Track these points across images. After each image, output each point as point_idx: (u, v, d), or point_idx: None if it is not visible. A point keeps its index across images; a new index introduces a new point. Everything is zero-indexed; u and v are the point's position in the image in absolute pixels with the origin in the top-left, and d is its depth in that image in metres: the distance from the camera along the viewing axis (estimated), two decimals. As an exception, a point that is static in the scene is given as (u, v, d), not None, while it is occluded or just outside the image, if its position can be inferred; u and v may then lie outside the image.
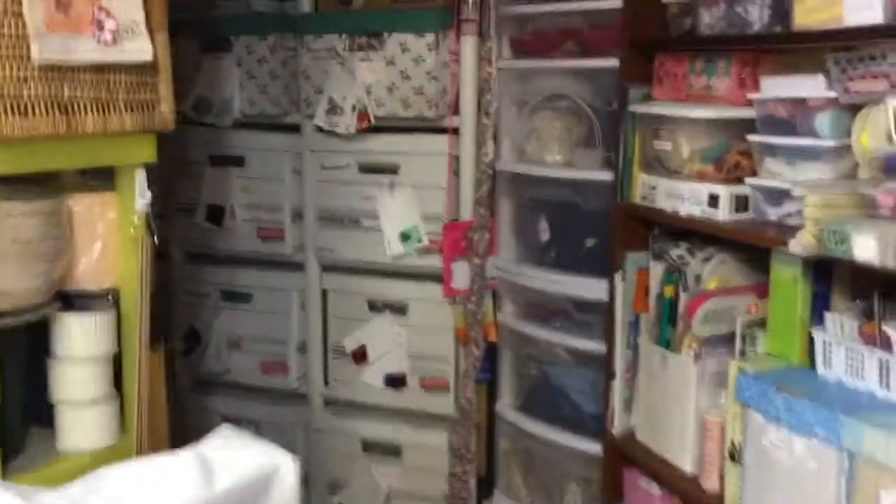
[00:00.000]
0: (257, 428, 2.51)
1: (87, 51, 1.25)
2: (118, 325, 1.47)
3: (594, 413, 2.03)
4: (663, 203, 1.74)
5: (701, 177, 1.66)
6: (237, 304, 2.49)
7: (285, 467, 1.21)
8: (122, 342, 1.48)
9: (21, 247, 1.27)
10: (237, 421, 2.50)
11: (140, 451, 1.45)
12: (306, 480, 2.47)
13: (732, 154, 1.66)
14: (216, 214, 2.44)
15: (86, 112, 1.28)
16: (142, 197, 1.44)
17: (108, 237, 1.45)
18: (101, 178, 1.49)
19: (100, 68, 1.30)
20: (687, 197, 1.68)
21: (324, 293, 2.41)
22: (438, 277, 2.24)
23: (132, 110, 1.37)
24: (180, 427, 2.60)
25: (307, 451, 2.46)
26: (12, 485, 1.03)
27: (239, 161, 2.40)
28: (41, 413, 1.45)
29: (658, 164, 1.76)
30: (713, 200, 1.63)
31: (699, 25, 1.65)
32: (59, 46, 1.21)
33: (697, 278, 1.75)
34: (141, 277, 1.44)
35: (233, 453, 1.19)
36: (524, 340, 2.17)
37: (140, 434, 1.46)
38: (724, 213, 1.61)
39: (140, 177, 1.44)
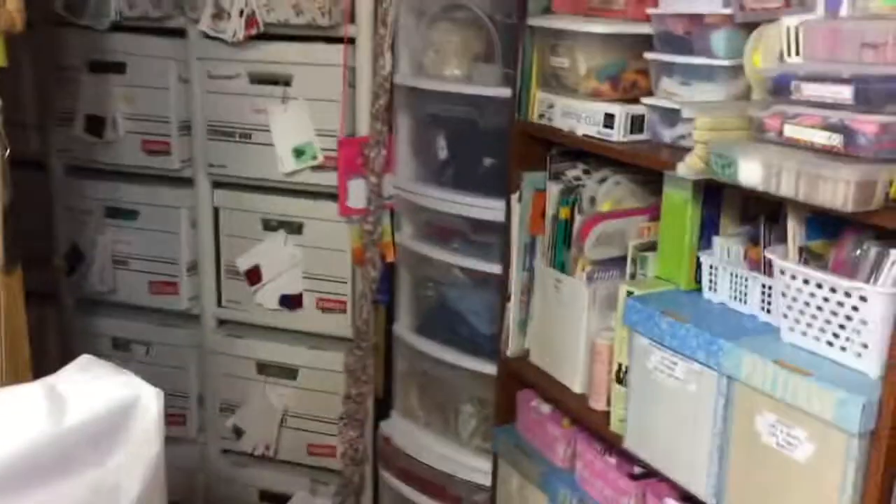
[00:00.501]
0: (148, 349, 2.42)
1: None
2: (-32, 246, 1.36)
3: (489, 334, 2.01)
4: (560, 122, 1.69)
5: (597, 95, 1.61)
6: (122, 221, 2.36)
7: (147, 399, 1.14)
8: (-26, 264, 1.37)
9: None
10: (127, 342, 2.42)
11: (0, 381, 1.36)
12: (201, 401, 2.41)
13: (629, 72, 1.61)
14: (96, 125, 2.28)
15: (-89, 8, 1.14)
16: (-13, 106, 1.31)
17: (-48, 149, 1.32)
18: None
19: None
20: (583, 116, 1.63)
21: (215, 211, 2.31)
22: (334, 195, 2.16)
23: (-30, 8, 1.23)
24: (66, 350, 2.50)
25: (201, 372, 2.39)
26: None
27: (119, 67, 2.24)
28: None
29: (555, 82, 1.70)
30: (609, 120, 1.58)
31: (599, -66, 1.57)
32: None
33: (592, 200, 1.71)
34: (-9, 195, 1.32)
35: (88, 385, 1.11)
36: (422, 261, 2.12)
37: (-2, 362, 1.36)
38: (618, 134, 1.57)
39: (-14, 83, 1.30)
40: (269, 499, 2.36)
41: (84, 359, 1.20)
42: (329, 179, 2.14)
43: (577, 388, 1.72)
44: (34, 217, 2.38)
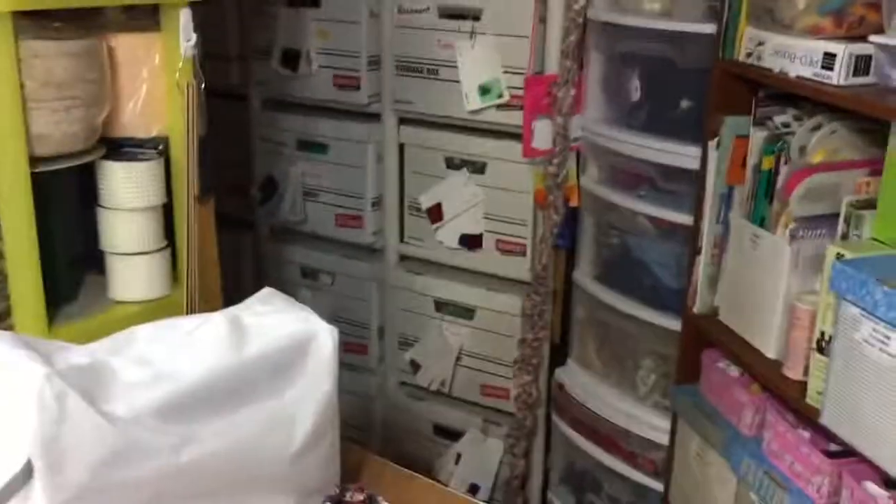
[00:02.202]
0: (334, 279, 2.50)
1: None
2: (168, 176, 1.42)
3: (675, 288, 1.91)
4: (771, 62, 1.53)
5: (816, 32, 1.44)
6: (313, 154, 2.42)
7: (323, 337, 1.15)
8: (173, 194, 1.43)
9: (55, 89, 1.20)
10: (314, 272, 2.51)
11: (190, 305, 1.42)
12: (381, 334, 2.47)
13: (856, 6, 1.42)
14: (292, 59, 2.33)
15: (118, -58, 1.17)
16: (186, 39, 1.34)
17: (154, 82, 1.37)
18: (150, 18, 1.40)
19: None
20: (798, 55, 1.46)
21: (400, 147, 2.31)
22: (518, 135, 2.09)
23: (171, -58, 1.25)
24: (259, 275, 2.63)
25: (382, 305, 2.44)
26: (35, 339, 1.00)
27: (315, 1, 2.26)
28: (98, 261, 1.43)
29: (768, 17, 1.53)
30: (828, 60, 1.41)
31: None
32: None
33: (802, 150, 1.55)
34: (187, 125, 1.37)
35: (268, 318, 1.14)
36: (606, 207, 2.02)
37: (190, 287, 1.42)
38: (839, 76, 1.40)
39: (184, 16, 1.33)
40: (442, 432, 2.40)
41: (266, 291, 1.22)
42: (514, 119, 2.08)
43: (770, 352, 1.59)
44: (235, 147, 2.50)
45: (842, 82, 1.40)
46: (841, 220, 1.44)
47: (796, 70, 1.47)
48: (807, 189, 1.47)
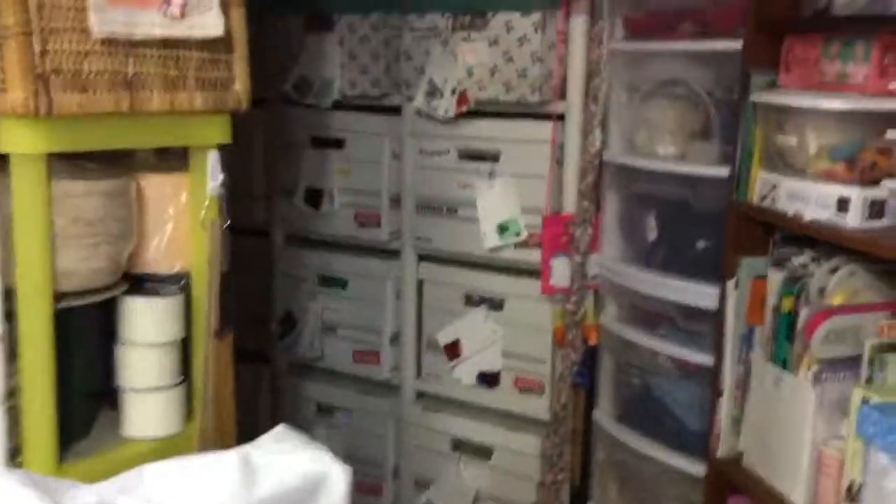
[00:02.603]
0: (350, 416, 2.46)
1: (151, 25, 1.19)
2: (187, 311, 1.43)
3: (698, 430, 1.86)
4: (785, 205, 1.54)
5: (829, 177, 1.46)
6: (333, 290, 2.44)
7: (335, 477, 1.12)
8: (192, 329, 1.44)
9: (84, 227, 1.24)
10: (330, 408, 2.48)
11: (204, 442, 1.40)
12: (396, 473, 2.41)
13: (868, 152, 1.45)
14: (315, 197, 2.39)
15: (152, 89, 1.23)
16: (213, 179, 1.39)
17: (179, 219, 1.40)
18: (179, 160, 1.45)
19: (167, 43, 1.24)
20: (812, 199, 1.48)
21: (419, 283, 2.33)
22: (537, 273, 2.11)
23: (203, 88, 1.31)
24: (276, 410, 2.60)
25: (398, 443, 2.39)
26: (44, 478, 0.99)
27: (339, 143, 2.35)
28: (112, 397, 1.43)
29: (781, 161, 1.57)
30: (842, 204, 1.43)
31: (835, 4, 1.45)
32: (123, 20, 1.15)
33: (821, 291, 1.55)
34: (210, 262, 1.39)
35: (281, 458, 1.12)
36: (626, 346, 2.01)
37: (204, 425, 1.41)
38: (854, 220, 1.41)
39: (212, 158, 1.38)
40: (459, 580, 2.30)
41: (280, 429, 1.21)
42: (532, 257, 2.10)
43: (798, 500, 1.53)
44: (257, 282, 2.53)
45: (857, 225, 1.41)
46: (864, 363, 1.41)
47: (811, 213, 1.48)
48: (828, 331, 1.45)
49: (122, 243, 1.32)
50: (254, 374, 2.59)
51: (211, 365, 1.40)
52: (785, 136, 1.54)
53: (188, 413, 1.44)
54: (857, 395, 1.36)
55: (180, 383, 1.43)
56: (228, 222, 1.42)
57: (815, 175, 1.49)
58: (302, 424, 2.52)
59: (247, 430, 2.38)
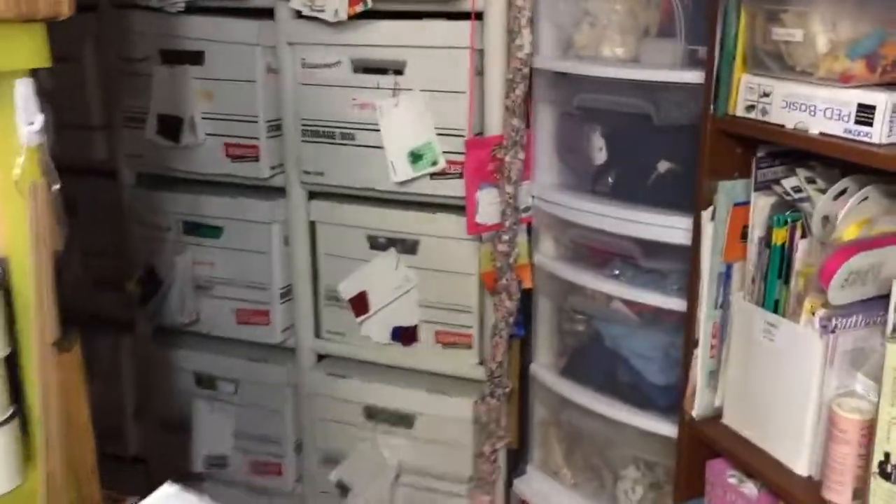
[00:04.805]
0: (237, 387, 2.07)
1: None
2: (8, 314, 0.99)
3: (661, 384, 1.60)
4: (781, 116, 1.25)
5: (845, 79, 1.17)
6: (204, 239, 2.00)
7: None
8: (17, 339, 1.00)
9: None
10: (211, 379, 2.08)
11: (54, 495, 0.99)
12: (299, 449, 2.05)
13: (889, 45, 1.17)
14: (172, 127, 1.92)
15: None
16: (28, 121, 0.93)
17: (-19, 185, 0.95)
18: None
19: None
20: (822, 108, 1.19)
21: (311, 226, 1.93)
22: (457, 208, 1.76)
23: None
24: (143, 386, 2.18)
25: (298, 416, 2.03)
26: None
27: (196, 57, 1.86)
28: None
29: (776, 62, 1.26)
30: (865, 113, 1.14)
31: None
32: None
33: (825, 220, 1.27)
34: (35, 242, 0.95)
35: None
36: (568, 289, 1.70)
37: (52, 468, 1.00)
38: (880, 132, 1.13)
39: (22, 90, 0.93)
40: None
41: (167, 489, 0.82)
42: (452, 189, 1.74)
43: (800, 468, 1.30)
44: (104, 235, 2.06)
45: (884, 140, 1.13)
46: (892, 308, 1.15)
47: (819, 126, 1.20)
48: (849, 273, 1.19)
49: None
50: (112, 347, 2.15)
51: (52, 388, 0.98)
52: (784, 29, 1.23)
53: (26, 458, 1.02)
54: (892, 351, 1.11)
55: (9, 419, 1.00)
56: (58, 184, 0.97)
57: (825, 78, 1.19)
58: (179, 401, 2.12)
59: (109, 434, 1.95)
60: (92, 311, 2.10)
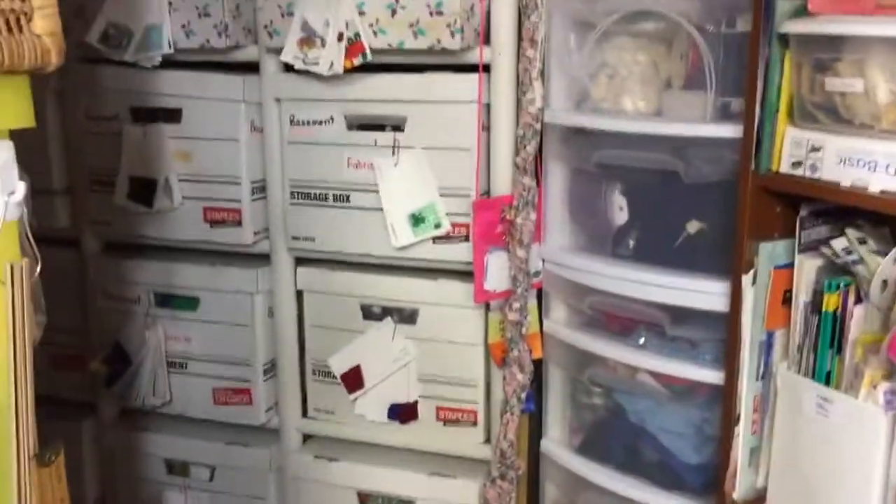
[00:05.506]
0: (213, 474, 1.88)
1: None
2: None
3: (694, 463, 1.47)
4: (836, 172, 1.16)
5: (910, 132, 1.08)
6: (179, 312, 1.82)
7: None
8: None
9: None
10: (185, 465, 1.89)
11: None
12: (282, 543, 1.86)
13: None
14: (145, 190, 1.75)
15: None
16: (9, 192, 0.78)
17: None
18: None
19: None
20: (884, 163, 1.10)
21: (299, 295, 1.77)
22: (460, 273, 1.63)
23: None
24: (106, 475, 1.97)
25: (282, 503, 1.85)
26: None
27: (174, 115, 1.71)
28: None
29: (828, 114, 1.17)
30: (934, 168, 1.05)
31: None
32: None
33: (884, 284, 1.17)
34: (13, 339, 0.79)
35: None
36: (586, 359, 1.57)
37: None
38: (951, 189, 1.04)
39: (3, 155, 0.77)
40: None
41: None
42: (457, 253, 1.60)
43: (867, 558, 1.17)
44: (66, 308, 1.86)
45: (954, 197, 1.04)
46: (972, 381, 1.05)
47: (881, 183, 1.10)
48: (923, 343, 1.08)
49: None
50: (72, 433, 1.94)
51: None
52: (838, 80, 1.14)
53: None
54: (983, 431, 1.00)
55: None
56: (39, 266, 0.81)
57: (887, 130, 1.10)
58: (147, 491, 1.91)
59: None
60: (49, 394, 1.89)
